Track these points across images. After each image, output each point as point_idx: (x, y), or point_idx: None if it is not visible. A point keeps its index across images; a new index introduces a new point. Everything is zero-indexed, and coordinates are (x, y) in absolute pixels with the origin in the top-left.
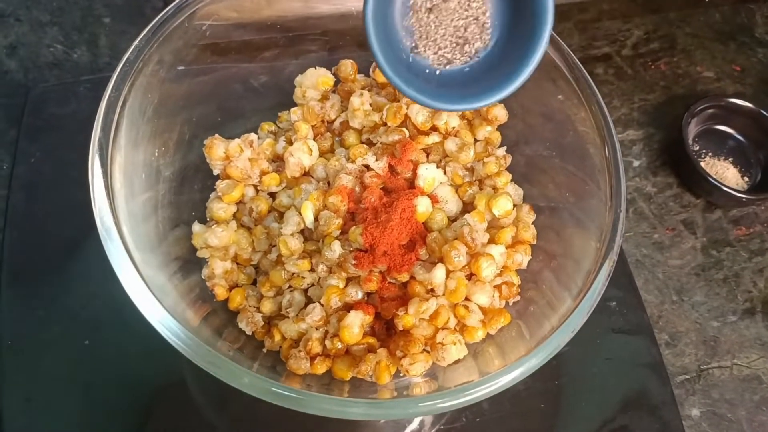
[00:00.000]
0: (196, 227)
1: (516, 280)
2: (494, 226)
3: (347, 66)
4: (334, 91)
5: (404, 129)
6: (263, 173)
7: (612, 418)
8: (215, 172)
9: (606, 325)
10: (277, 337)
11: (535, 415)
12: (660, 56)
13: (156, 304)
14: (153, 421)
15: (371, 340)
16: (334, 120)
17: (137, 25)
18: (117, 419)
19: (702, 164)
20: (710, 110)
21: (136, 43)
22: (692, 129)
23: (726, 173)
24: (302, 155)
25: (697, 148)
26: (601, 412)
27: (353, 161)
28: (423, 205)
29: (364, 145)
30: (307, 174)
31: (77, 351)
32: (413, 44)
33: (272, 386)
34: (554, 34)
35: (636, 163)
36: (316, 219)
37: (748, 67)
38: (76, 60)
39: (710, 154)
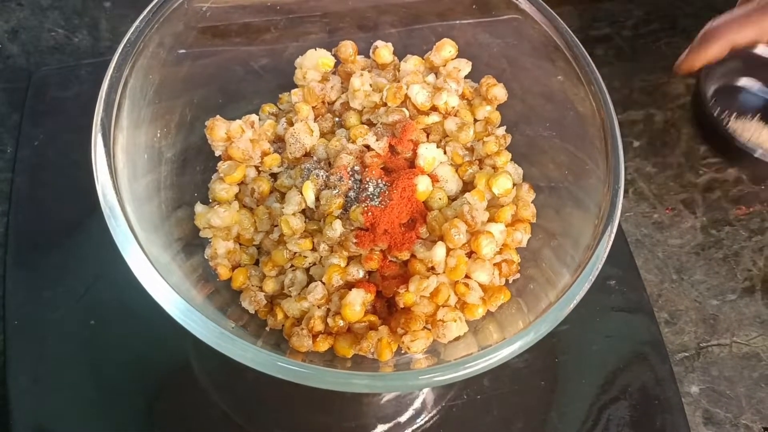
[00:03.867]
0: (199, 208)
1: (516, 257)
2: (494, 205)
3: (347, 47)
4: (334, 73)
5: (404, 109)
6: (264, 154)
7: (611, 395)
8: (217, 153)
9: (606, 304)
10: (280, 316)
11: (536, 392)
12: (660, 37)
13: (162, 282)
14: (159, 401)
15: (372, 318)
16: (335, 101)
17: (137, 9)
18: (123, 399)
19: (730, 128)
20: (730, 63)
21: (136, 23)
22: (710, 85)
23: (762, 136)
24: (303, 136)
25: (718, 109)
26: (601, 390)
27: (354, 141)
28: (423, 184)
29: (365, 126)
30: (308, 154)
31: (83, 331)
32: None
33: (278, 360)
34: (554, 13)
35: (636, 144)
36: (317, 198)
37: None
38: (77, 44)
39: (735, 113)
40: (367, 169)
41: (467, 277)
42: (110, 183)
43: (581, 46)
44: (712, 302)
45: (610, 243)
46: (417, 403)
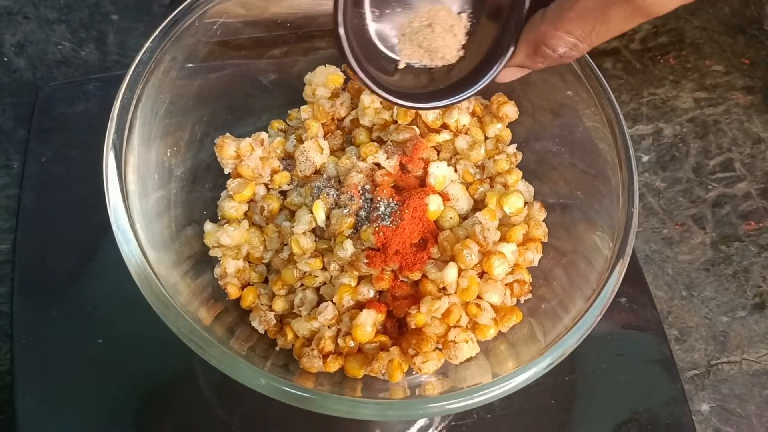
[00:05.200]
0: (208, 226)
1: (527, 277)
2: (505, 224)
3: None
4: (344, 89)
5: (414, 127)
6: (274, 172)
7: (622, 414)
8: (226, 171)
9: (616, 321)
10: (290, 336)
11: (546, 411)
12: (668, 50)
13: (170, 304)
14: (166, 420)
15: (383, 339)
16: (344, 117)
17: (145, 22)
18: (130, 418)
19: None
20: None
21: (148, 44)
22: None
23: None
24: (313, 154)
25: None
26: (612, 408)
27: (364, 159)
28: (434, 203)
29: (375, 143)
30: (318, 172)
31: (91, 350)
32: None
33: (284, 386)
34: None
35: (645, 158)
36: (327, 218)
37: (758, 60)
38: (85, 58)
39: None
40: (378, 188)
41: (479, 297)
42: (122, 206)
43: (592, 62)
44: (722, 319)
45: (624, 271)
46: (424, 420)
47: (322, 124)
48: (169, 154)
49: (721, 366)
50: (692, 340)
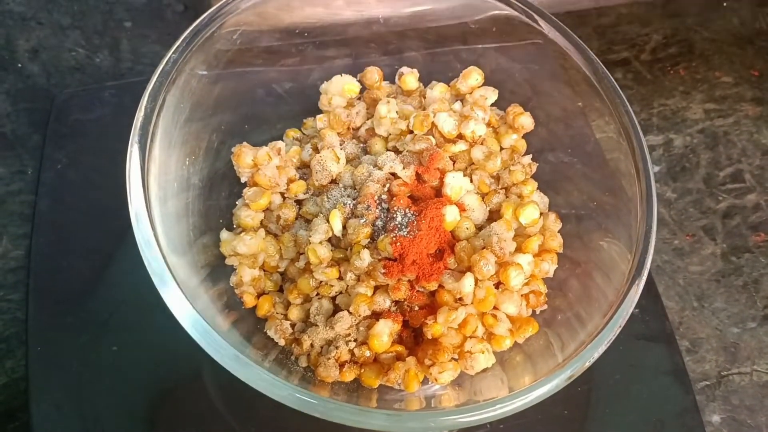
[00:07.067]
0: (224, 235)
1: (543, 288)
2: (521, 235)
3: (373, 73)
4: (359, 98)
5: (431, 137)
6: (290, 181)
7: (636, 424)
8: (243, 179)
9: (629, 332)
10: (306, 345)
11: (559, 421)
12: (678, 61)
13: (189, 308)
14: (180, 428)
15: (400, 348)
16: (360, 127)
17: (158, 29)
18: (144, 426)
19: None
20: None
21: (170, 53)
22: None
23: None
24: (330, 163)
25: None
26: (625, 419)
27: (380, 168)
28: (451, 214)
29: (391, 153)
30: (334, 181)
31: (106, 357)
32: None
33: (296, 392)
34: (579, 40)
35: (656, 169)
36: (344, 227)
37: (767, 72)
38: (98, 64)
39: None
40: (394, 198)
41: (495, 308)
42: (145, 214)
43: (608, 72)
44: (733, 330)
45: (642, 285)
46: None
47: (338, 134)
48: (187, 162)
49: (731, 377)
50: (703, 351)
